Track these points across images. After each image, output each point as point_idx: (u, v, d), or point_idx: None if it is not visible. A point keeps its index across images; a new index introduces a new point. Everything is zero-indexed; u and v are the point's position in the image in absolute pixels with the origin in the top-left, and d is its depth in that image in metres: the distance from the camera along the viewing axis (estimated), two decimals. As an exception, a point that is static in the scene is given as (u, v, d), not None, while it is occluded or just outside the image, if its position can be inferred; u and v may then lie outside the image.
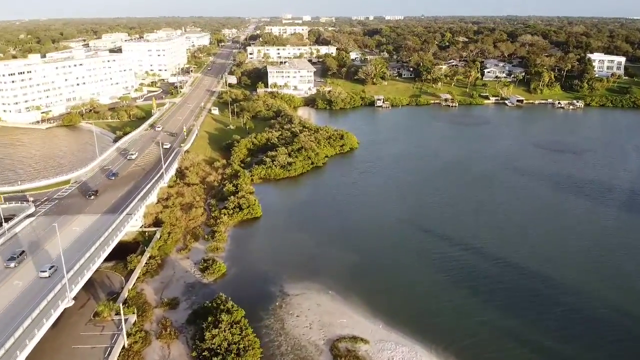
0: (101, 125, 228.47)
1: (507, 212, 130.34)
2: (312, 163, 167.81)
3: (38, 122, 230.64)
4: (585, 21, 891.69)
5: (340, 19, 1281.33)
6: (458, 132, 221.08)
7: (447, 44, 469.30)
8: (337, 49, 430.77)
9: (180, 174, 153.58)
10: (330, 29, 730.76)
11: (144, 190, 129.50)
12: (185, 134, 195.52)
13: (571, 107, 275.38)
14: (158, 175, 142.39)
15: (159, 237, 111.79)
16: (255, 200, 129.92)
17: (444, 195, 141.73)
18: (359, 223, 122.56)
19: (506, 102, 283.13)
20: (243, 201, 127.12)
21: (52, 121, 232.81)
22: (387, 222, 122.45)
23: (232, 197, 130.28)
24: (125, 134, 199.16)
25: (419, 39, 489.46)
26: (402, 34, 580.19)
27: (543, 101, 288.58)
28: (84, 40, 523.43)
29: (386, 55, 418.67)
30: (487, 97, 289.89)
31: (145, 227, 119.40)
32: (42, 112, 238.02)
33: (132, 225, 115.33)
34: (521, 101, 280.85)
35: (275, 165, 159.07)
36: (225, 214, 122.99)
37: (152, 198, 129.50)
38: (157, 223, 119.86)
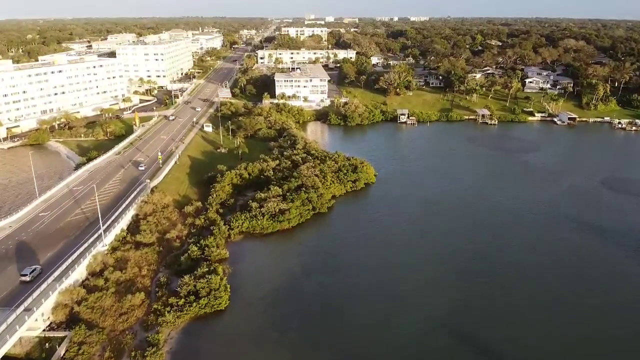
0: (72, 144, 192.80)
1: (596, 311, 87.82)
2: (314, 208, 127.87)
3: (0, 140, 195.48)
4: (620, 24, 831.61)
5: (364, 19, 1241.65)
6: (502, 163, 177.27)
7: (480, 48, 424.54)
8: (356, 53, 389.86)
9: (136, 225, 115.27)
10: (352, 30, 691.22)
11: (65, 265, 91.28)
12: (160, 161, 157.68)
13: (634, 127, 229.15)
14: (97, 234, 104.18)
15: (62, 353, 73.37)
16: (221, 281, 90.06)
17: (493, 273, 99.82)
18: (370, 329, 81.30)
19: (555, 119, 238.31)
20: (202, 284, 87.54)
21: (16, 139, 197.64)
22: (413, 329, 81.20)
23: (187, 276, 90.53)
24: (89, 159, 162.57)
25: (447, 42, 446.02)
26: (428, 36, 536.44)
27: (599, 119, 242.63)
28: (89, 42, 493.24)
29: (412, 60, 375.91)
30: (531, 113, 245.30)
31: (54, 326, 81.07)
32: (9, 128, 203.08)
33: (30, 327, 77.22)
34: (573, 119, 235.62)
35: (264, 214, 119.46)
36: (172, 306, 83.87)
37: (78, 272, 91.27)
38: (74, 320, 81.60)
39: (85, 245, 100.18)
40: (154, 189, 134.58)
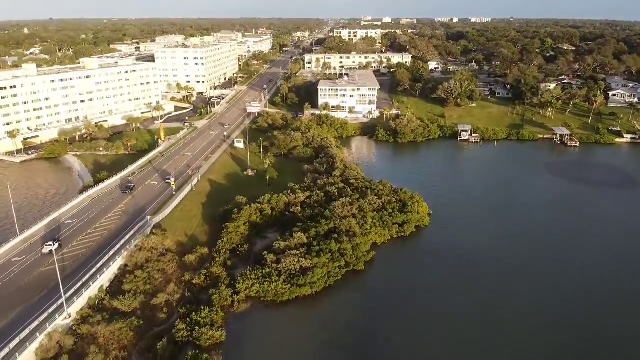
0: (89, 159, 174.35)
1: None
2: (347, 264, 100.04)
3: (14, 152, 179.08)
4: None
5: (422, 20, 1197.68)
6: (590, 202, 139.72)
7: (552, 53, 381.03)
8: (412, 57, 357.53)
9: (122, 281, 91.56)
10: (409, 31, 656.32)
11: (5, 351, 68.29)
12: (174, 188, 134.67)
13: None
14: (60, 302, 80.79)
15: None
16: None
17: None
18: None
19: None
20: (174, 400, 61.96)
21: (32, 151, 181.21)
22: None
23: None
24: (98, 182, 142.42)
25: (514, 46, 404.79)
26: (492, 38, 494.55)
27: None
28: (137, 43, 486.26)
29: (475, 66, 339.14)
30: (619, 134, 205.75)
31: None
32: (26, 138, 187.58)
33: None
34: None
35: (280, 273, 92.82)
36: None
37: (19, 363, 68.09)
38: None
39: (42, 317, 76.98)
40: (157, 227, 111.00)
